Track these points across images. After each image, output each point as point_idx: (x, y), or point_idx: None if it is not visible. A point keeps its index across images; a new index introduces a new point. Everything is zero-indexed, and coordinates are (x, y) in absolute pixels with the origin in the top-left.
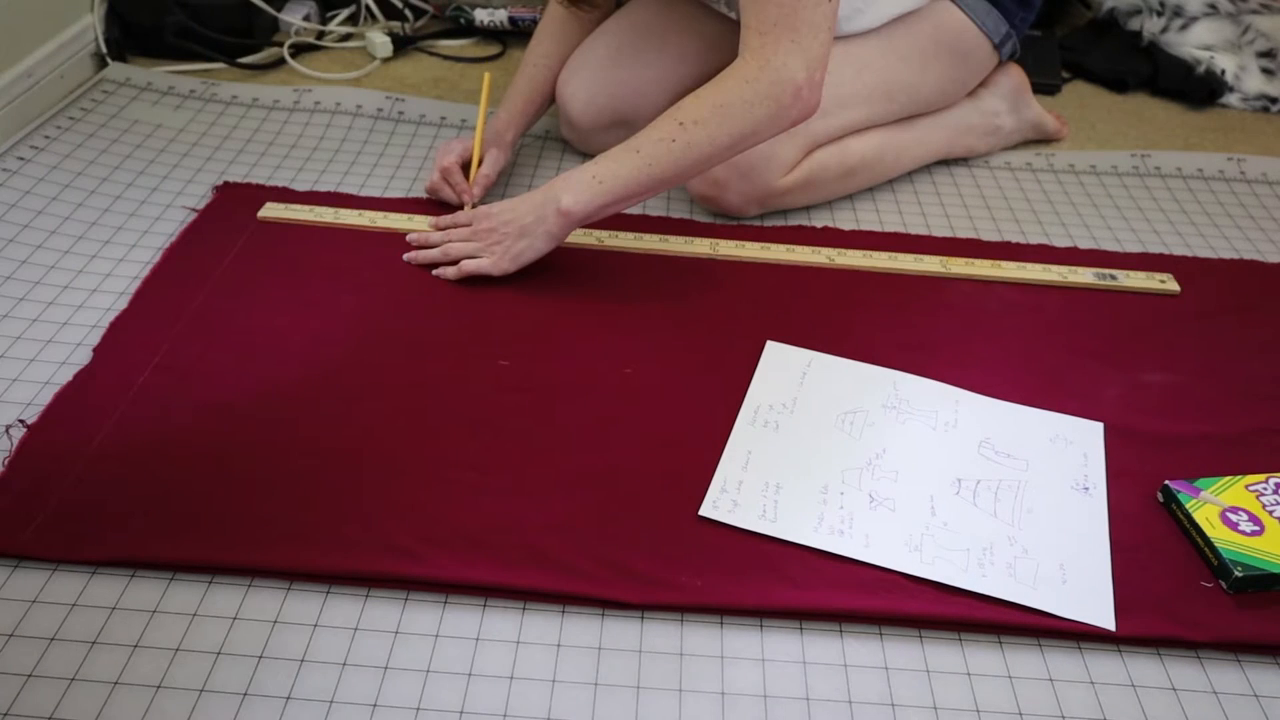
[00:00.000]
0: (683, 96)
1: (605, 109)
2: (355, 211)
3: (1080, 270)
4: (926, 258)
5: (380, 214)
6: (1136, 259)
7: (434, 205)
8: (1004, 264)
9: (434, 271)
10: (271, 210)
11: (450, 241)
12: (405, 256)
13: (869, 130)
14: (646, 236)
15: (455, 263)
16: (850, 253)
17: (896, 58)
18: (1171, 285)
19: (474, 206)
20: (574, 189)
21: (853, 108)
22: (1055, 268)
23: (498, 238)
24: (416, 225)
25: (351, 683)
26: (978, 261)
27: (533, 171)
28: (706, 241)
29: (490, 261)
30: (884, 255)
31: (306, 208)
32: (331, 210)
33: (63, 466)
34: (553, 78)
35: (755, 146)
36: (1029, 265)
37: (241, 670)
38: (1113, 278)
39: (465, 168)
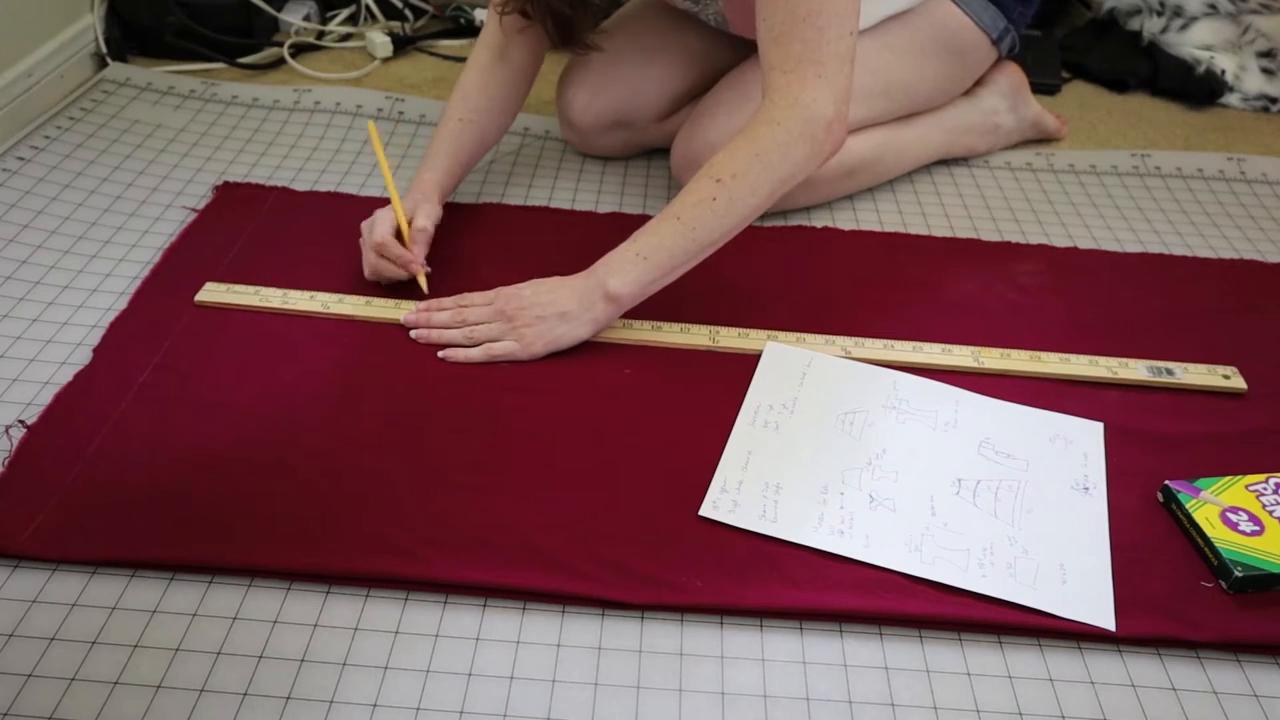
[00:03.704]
0: (683, 98)
1: (605, 111)
2: (306, 294)
3: (1132, 364)
4: (956, 349)
5: (335, 297)
6: (1135, 258)
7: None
8: (1044, 356)
9: (442, 354)
10: (211, 294)
11: (468, 324)
12: (415, 335)
13: (867, 129)
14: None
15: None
16: (869, 342)
17: (894, 56)
18: (1237, 382)
19: (426, 273)
20: (619, 270)
21: (852, 106)
22: (1103, 360)
23: (528, 320)
24: (375, 311)
25: (351, 683)
26: (1014, 353)
27: (532, 172)
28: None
29: (520, 346)
30: (908, 345)
31: (251, 289)
32: (280, 293)
33: (63, 466)
34: (479, 136)
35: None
36: (1073, 358)
37: (241, 670)
38: (1169, 372)
39: (397, 238)
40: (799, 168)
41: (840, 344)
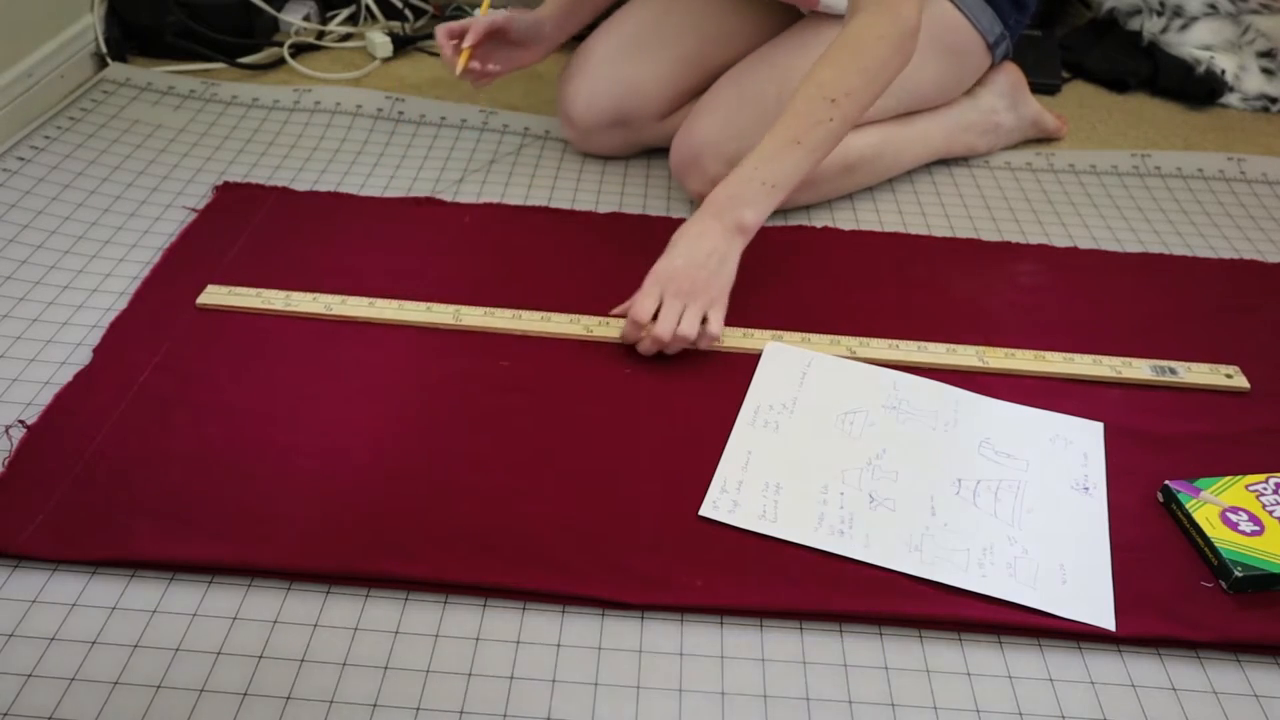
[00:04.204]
0: (683, 96)
1: (607, 109)
2: (310, 296)
3: (1135, 363)
4: (961, 349)
5: (338, 299)
6: (1135, 258)
7: (430, 207)
8: (1048, 356)
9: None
10: (212, 296)
11: (665, 331)
12: (641, 349)
13: (867, 126)
14: None
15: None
16: (874, 342)
17: None
18: (1240, 381)
19: (469, 59)
20: (752, 202)
21: None
22: (1107, 360)
23: (703, 283)
24: (378, 312)
25: (351, 683)
26: (1019, 353)
27: (532, 172)
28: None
29: (715, 310)
30: (913, 345)
31: (254, 292)
32: (282, 295)
33: (63, 466)
34: None
35: (751, 142)
36: (1077, 357)
37: (241, 670)
38: (1172, 371)
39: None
40: (893, 79)
41: (845, 344)
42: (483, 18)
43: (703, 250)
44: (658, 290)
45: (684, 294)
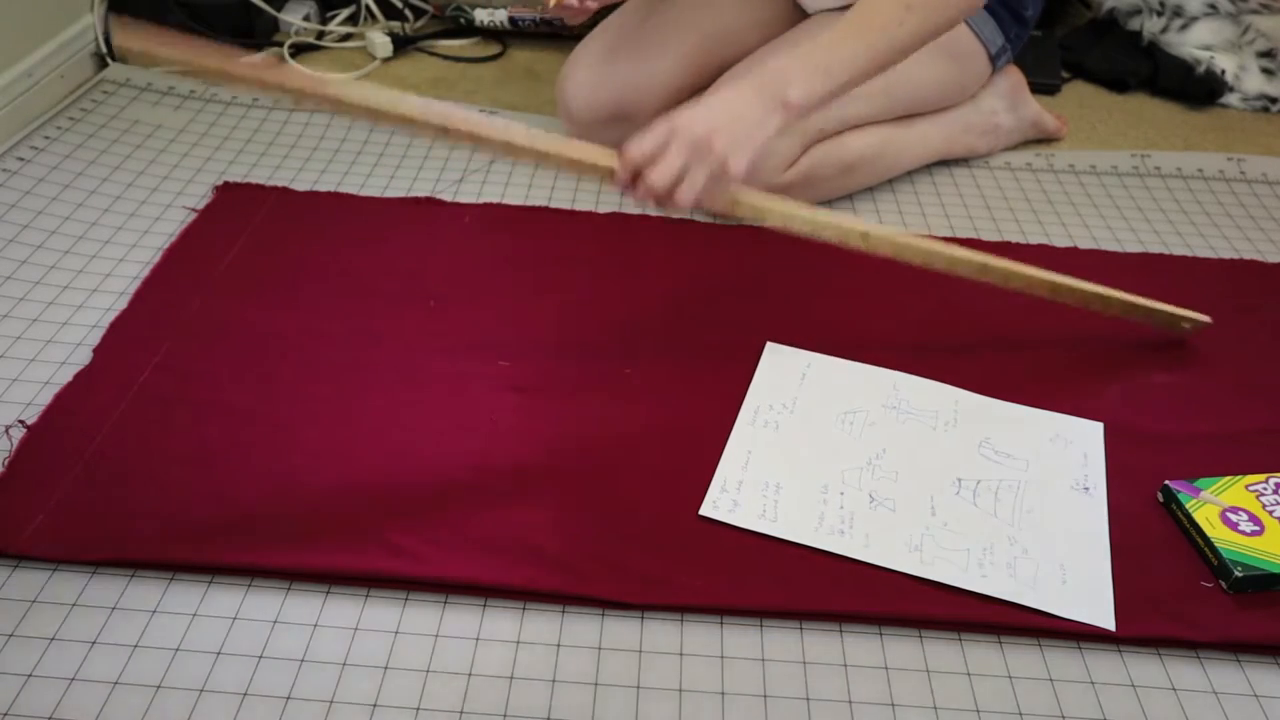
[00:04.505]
0: (684, 94)
1: (606, 105)
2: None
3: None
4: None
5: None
6: (1135, 258)
7: (430, 207)
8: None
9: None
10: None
11: (660, 180)
12: (635, 198)
13: (867, 126)
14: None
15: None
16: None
17: None
18: (1199, 319)
19: None
20: (802, 80)
21: (852, 102)
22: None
23: (723, 143)
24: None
25: (351, 683)
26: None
27: (532, 172)
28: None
29: (730, 173)
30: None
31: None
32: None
33: (63, 466)
34: None
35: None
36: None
37: (241, 670)
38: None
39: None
40: (960, 18)
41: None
42: None
43: (731, 112)
44: (665, 133)
45: (694, 147)
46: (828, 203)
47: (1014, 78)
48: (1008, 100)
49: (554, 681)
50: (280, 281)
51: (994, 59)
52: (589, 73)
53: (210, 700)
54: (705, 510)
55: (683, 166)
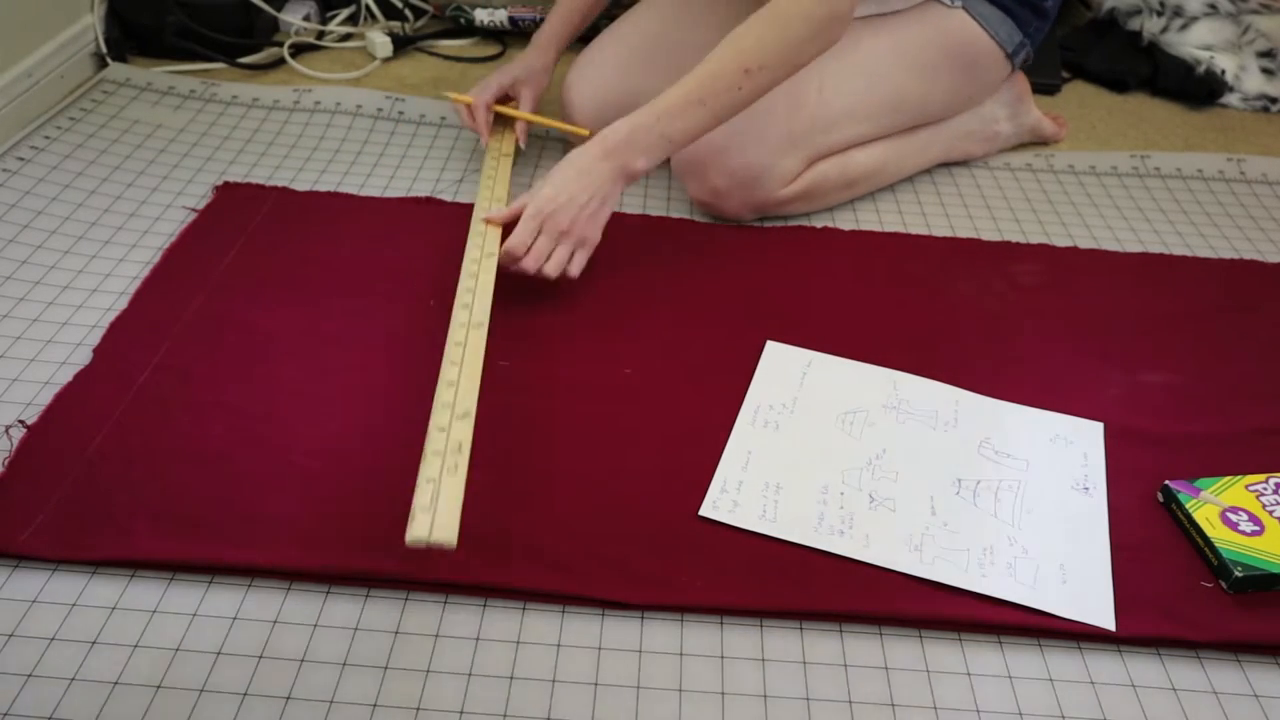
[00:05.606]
0: None
1: (609, 108)
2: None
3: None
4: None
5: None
6: (1135, 258)
7: (430, 207)
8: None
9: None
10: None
11: (543, 259)
12: (513, 270)
13: (872, 144)
14: None
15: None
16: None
17: (907, 71)
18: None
19: (519, 149)
20: (645, 151)
21: (861, 121)
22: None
23: (581, 223)
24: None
25: (351, 683)
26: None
27: (532, 172)
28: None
29: (586, 247)
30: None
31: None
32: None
33: (63, 466)
34: None
35: (756, 158)
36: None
37: (241, 670)
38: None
39: (500, 103)
40: (810, 60)
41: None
42: (481, 95)
43: (586, 190)
44: (535, 225)
45: (559, 232)
46: (829, 209)
47: (1019, 86)
48: (1010, 109)
49: (554, 681)
50: (280, 281)
51: (1012, 56)
52: (598, 81)
53: (210, 700)
54: (705, 510)
55: (549, 250)
